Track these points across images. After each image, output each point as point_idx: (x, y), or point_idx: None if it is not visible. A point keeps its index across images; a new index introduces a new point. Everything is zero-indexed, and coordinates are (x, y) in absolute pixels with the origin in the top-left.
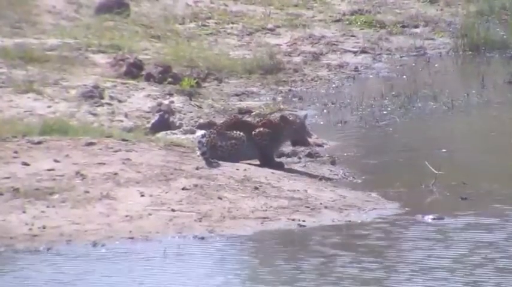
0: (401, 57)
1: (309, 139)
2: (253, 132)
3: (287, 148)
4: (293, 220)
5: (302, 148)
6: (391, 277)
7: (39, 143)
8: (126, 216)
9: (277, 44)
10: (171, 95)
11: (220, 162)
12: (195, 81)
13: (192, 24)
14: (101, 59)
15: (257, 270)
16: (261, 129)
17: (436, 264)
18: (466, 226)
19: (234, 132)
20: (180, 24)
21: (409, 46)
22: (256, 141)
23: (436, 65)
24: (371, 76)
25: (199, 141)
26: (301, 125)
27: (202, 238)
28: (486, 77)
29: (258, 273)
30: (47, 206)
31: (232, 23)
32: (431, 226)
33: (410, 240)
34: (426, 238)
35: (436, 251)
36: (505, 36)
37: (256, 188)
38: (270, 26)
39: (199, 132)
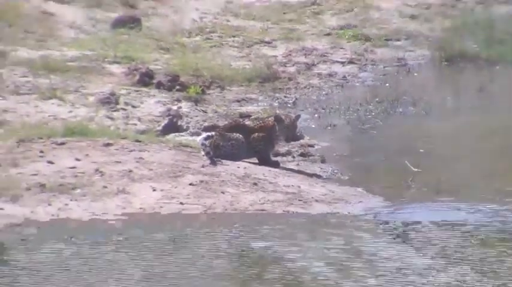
0: (384, 67)
1: (302, 140)
2: (250, 138)
3: (282, 148)
4: (287, 211)
5: (296, 148)
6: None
7: (62, 143)
8: (140, 208)
9: (274, 56)
10: (179, 101)
11: (223, 161)
12: (201, 88)
13: (198, 38)
14: (116, 69)
15: (254, 254)
16: (256, 135)
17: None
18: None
19: (234, 134)
20: (186, 37)
21: (391, 57)
22: (253, 145)
23: (415, 74)
24: (357, 84)
25: (203, 144)
26: (291, 123)
27: (208, 228)
28: (460, 85)
29: (254, 257)
30: (70, 200)
31: (234, 36)
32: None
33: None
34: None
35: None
36: (477, 49)
37: (255, 183)
38: (267, 39)
39: (202, 136)
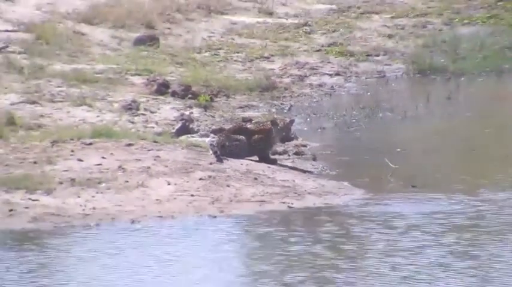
0: (366, 78)
1: (296, 141)
2: (252, 139)
3: (279, 148)
4: (284, 202)
5: (291, 148)
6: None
7: (90, 144)
8: (157, 200)
9: (272, 69)
10: (191, 107)
11: (228, 158)
12: (209, 97)
13: (207, 54)
14: (137, 80)
15: (256, 239)
16: (256, 136)
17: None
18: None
19: (238, 135)
20: (197, 53)
21: (372, 70)
22: (254, 146)
23: (392, 85)
24: (343, 93)
25: (211, 144)
26: (285, 126)
27: (215, 217)
28: (430, 94)
29: (256, 242)
30: (96, 192)
31: (237, 52)
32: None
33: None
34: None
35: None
36: (444, 63)
37: (255, 178)
38: (266, 55)
39: (210, 137)
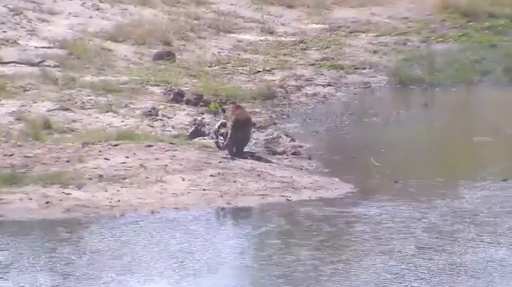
0: (354, 88)
1: (293, 143)
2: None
3: (279, 148)
4: (283, 196)
5: (289, 149)
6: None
7: (115, 145)
8: (173, 193)
9: (273, 80)
10: (202, 113)
11: (236, 158)
12: (219, 104)
13: (216, 67)
14: (156, 90)
15: (258, 228)
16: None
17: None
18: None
19: (238, 132)
20: (208, 67)
21: (359, 81)
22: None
23: (377, 94)
24: (334, 101)
25: (213, 136)
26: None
27: (223, 208)
28: (410, 102)
29: (259, 229)
30: (121, 187)
31: (243, 66)
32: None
33: None
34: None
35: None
36: (422, 75)
37: (259, 175)
38: (267, 68)
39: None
